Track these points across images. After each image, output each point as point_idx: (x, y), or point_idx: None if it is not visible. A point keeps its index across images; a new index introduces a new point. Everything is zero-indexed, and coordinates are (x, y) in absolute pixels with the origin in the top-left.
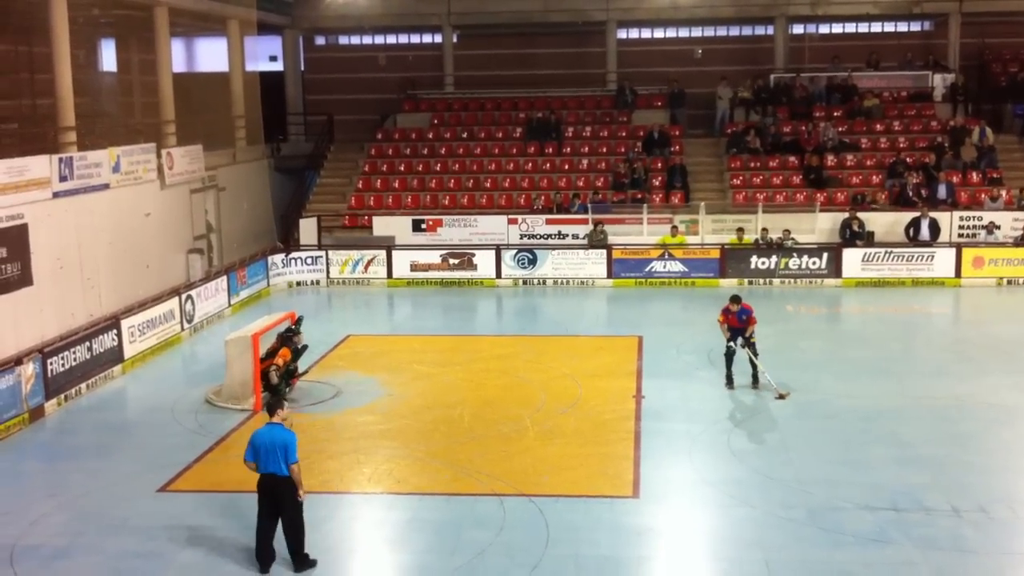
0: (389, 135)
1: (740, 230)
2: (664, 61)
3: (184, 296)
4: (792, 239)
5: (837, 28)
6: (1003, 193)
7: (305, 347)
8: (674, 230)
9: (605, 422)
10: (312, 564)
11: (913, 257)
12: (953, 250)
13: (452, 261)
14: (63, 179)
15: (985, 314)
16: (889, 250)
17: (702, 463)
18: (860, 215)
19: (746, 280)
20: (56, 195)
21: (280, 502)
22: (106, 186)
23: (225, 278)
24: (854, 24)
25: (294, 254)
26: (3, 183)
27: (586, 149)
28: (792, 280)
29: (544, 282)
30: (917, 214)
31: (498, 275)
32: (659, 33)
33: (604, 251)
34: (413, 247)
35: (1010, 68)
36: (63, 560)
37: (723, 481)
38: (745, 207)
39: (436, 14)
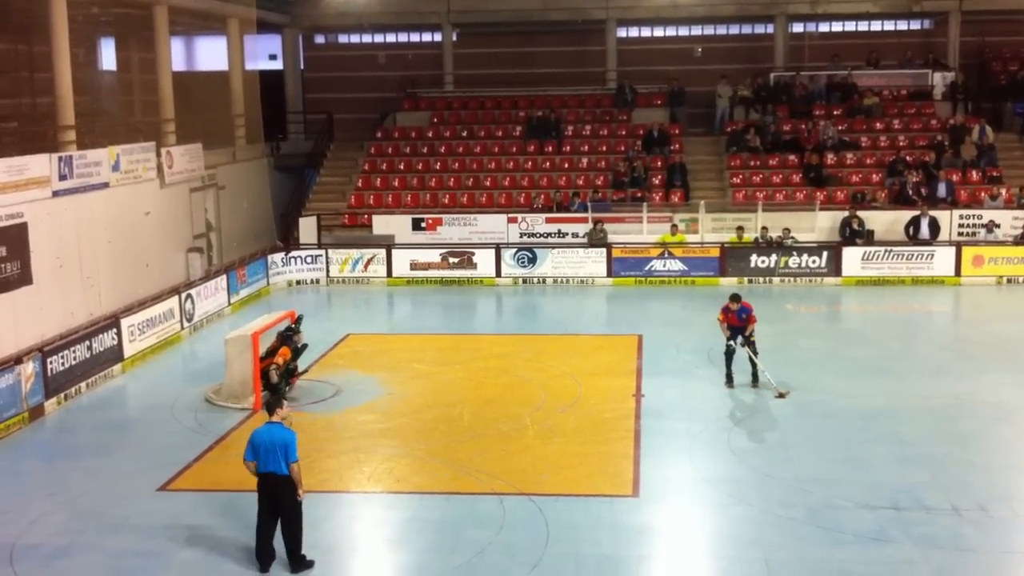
0: (389, 134)
1: (740, 229)
2: (664, 60)
3: (184, 295)
4: (792, 238)
5: (837, 26)
6: (1003, 191)
7: (305, 346)
8: (674, 229)
9: (605, 421)
10: (309, 565)
11: (913, 256)
12: (953, 249)
13: (452, 260)
14: (63, 178)
15: (985, 313)
16: (889, 249)
17: (702, 462)
18: (860, 214)
19: (746, 279)
20: (56, 194)
21: (279, 501)
22: (106, 185)
23: (225, 277)
24: (854, 22)
25: (294, 253)
26: (3, 182)
27: (586, 148)
28: (792, 279)
29: (544, 281)
30: (917, 213)
31: (498, 274)
32: (659, 32)
33: (604, 250)
34: (413, 246)
35: (1010, 66)
36: (63, 559)
37: (723, 480)
38: (745, 206)
39: (436, 12)
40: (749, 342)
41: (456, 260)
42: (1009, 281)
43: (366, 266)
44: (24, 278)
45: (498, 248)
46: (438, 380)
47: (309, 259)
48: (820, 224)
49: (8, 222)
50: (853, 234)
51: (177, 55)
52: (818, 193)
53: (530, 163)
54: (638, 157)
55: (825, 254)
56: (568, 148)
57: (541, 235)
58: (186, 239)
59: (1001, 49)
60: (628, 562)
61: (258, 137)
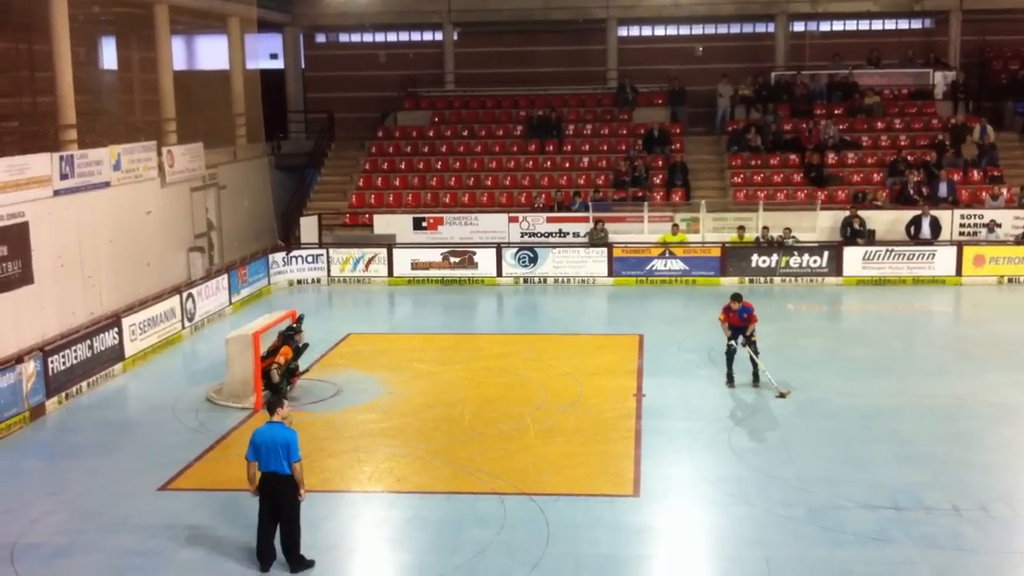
0: (390, 133)
1: (741, 228)
2: (665, 59)
3: (185, 294)
4: (793, 237)
5: (838, 26)
6: (1004, 191)
7: (306, 345)
8: (675, 228)
9: (606, 420)
10: (310, 564)
11: (914, 255)
12: (954, 248)
13: (453, 259)
14: (64, 177)
15: (986, 312)
16: (890, 248)
17: (703, 461)
18: (861, 213)
19: (747, 278)
20: (57, 193)
21: (279, 500)
22: (107, 184)
23: (226, 276)
24: (855, 22)
25: (295, 252)
26: (4, 181)
27: (587, 147)
28: (793, 278)
29: (545, 280)
30: (918, 212)
31: (499, 273)
32: (660, 31)
33: (605, 249)
34: (414, 245)
35: (1011, 65)
36: (64, 558)
37: (723, 479)
38: (746, 205)
39: (437, 11)
40: (750, 342)
41: (457, 260)
42: (1010, 281)
43: (367, 266)
44: (25, 277)
45: (499, 248)
46: (439, 380)
47: (310, 258)
48: (821, 224)
49: (9, 221)
50: (854, 234)
51: (178, 54)
52: (819, 193)
53: (531, 162)
54: (639, 156)
55: (826, 254)
56: (569, 147)
57: (542, 235)
58: (187, 238)
59: (1002, 48)
60: (629, 562)
61: (259, 136)
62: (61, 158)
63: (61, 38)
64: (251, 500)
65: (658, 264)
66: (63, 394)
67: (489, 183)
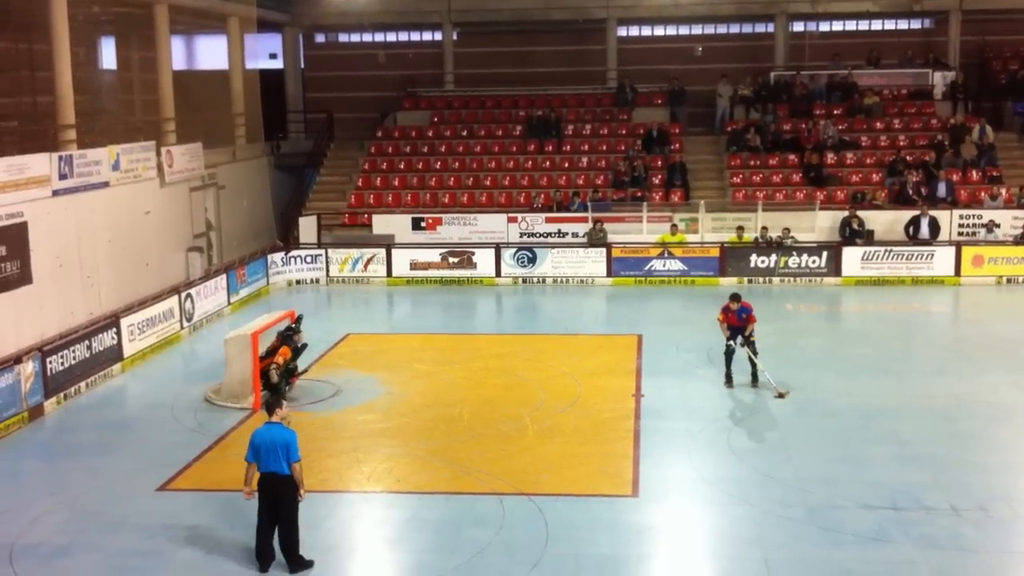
0: (389, 133)
1: (740, 228)
2: (664, 59)
3: (184, 294)
4: (792, 237)
5: (837, 26)
6: (1003, 191)
7: (305, 345)
8: (674, 228)
9: (604, 421)
10: (309, 565)
11: (913, 256)
12: (953, 248)
13: (452, 259)
14: (63, 177)
15: (984, 312)
16: (889, 248)
17: (701, 461)
18: (860, 213)
19: (746, 278)
20: (56, 193)
21: (278, 501)
22: (106, 184)
23: (225, 276)
24: (854, 22)
25: (294, 252)
26: (3, 181)
27: (586, 147)
28: (792, 278)
29: (544, 280)
30: (917, 212)
31: (498, 273)
32: (659, 31)
33: (604, 249)
34: (413, 245)
35: (1010, 66)
36: (63, 558)
37: (722, 479)
38: (745, 205)
39: (436, 11)
40: (749, 342)
41: (456, 260)
42: (1009, 281)
43: (366, 266)
44: (24, 277)
45: (498, 248)
46: (438, 380)
47: (309, 259)
48: (820, 224)
49: (8, 221)
50: (853, 234)
51: (177, 54)
52: (818, 193)
53: (530, 162)
54: (638, 156)
55: (825, 254)
56: (568, 147)
57: (541, 235)
58: (186, 238)
59: (1001, 48)
60: (628, 562)
61: (258, 136)
62: (60, 158)
63: (60, 38)
64: (250, 500)
65: (657, 264)
66: (62, 394)
67: (488, 183)
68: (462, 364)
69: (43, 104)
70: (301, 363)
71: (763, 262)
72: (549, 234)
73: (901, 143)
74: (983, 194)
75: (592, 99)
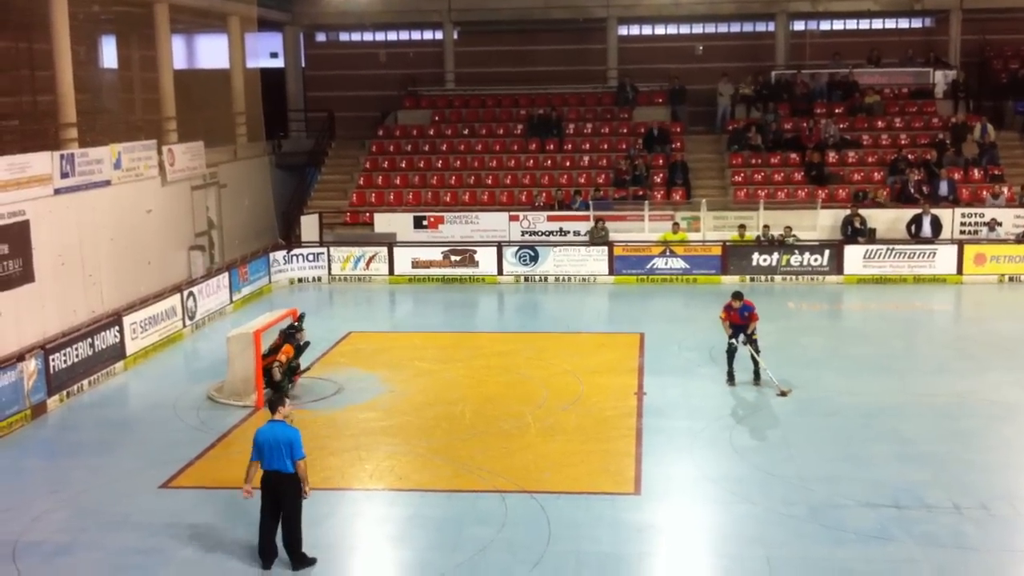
0: (390, 132)
1: (742, 227)
2: (665, 58)
3: (186, 293)
4: (793, 236)
5: (838, 24)
6: (1004, 190)
7: (307, 344)
8: (675, 227)
9: (606, 419)
10: (311, 562)
11: (915, 254)
12: (955, 247)
13: (453, 258)
14: (64, 176)
15: (986, 311)
16: (891, 247)
17: (703, 460)
18: (861, 212)
19: (748, 277)
20: (57, 192)
21: (281, 498)
22: (107, 183)
23: (227, 275)
24: (855, 20)
25: (296, 251)
26: (4, 180)
27: (587, 146)
28: (794, 277)
29: (545, 279)
30: (919, 211)
31: (499, 272)
32: (660, 30)
33: (605, 248)
34: (414, 244)
35: (1011, 64)
36: (65, 556)
37: (724, 478)
38: (746, 204)
39: (437, 11)
40: (751, 340)
41: (458, 258)
42: (1011, 279)
43: (368, 264)
44: (26, 276)
45: (500, 246)
46: (440, 378)
47: (311, 257)
48: (822, 222)
49: (10, 220)
50: (855, 232)
51: (178, 53)
52: (820, 191)
53: (531, 161)
54: (639, 155)
55: (827, 252)
56: (569, 146)
57: (543, 233)
58: (188, 237)
59: (1002, 47)
60: (629, 560)
61: (259, 135)
62: (62, 157)
63: (61, 37)
64: (249, 499)
65: (659, 263)
66: (64, 392)
67: (490, 182)
68: (464, 362)
69: (44, 103)
70: (303, 361)
71: (765, 260)
72: (551, 232)
73: (902, 142)
74: (985, 193)
75: (593, 98)
